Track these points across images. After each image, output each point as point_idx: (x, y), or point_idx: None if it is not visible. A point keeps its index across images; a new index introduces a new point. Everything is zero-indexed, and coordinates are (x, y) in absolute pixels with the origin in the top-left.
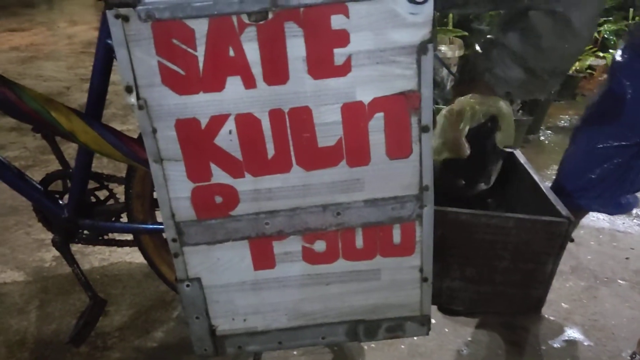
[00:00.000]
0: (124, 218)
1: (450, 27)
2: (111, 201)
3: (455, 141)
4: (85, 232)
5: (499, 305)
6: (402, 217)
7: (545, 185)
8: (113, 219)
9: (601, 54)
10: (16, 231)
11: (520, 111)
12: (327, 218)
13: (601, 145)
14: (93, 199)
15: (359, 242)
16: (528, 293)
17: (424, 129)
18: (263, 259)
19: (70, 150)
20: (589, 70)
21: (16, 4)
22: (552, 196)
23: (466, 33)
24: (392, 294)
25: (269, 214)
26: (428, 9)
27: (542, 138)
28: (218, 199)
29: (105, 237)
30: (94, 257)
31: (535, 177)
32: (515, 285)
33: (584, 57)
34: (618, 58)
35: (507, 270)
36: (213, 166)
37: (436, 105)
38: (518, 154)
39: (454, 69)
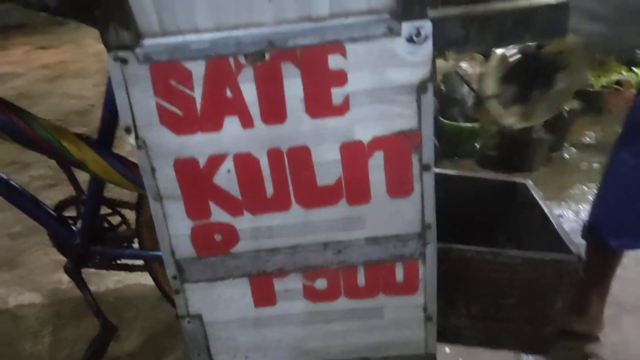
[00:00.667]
0: (137, 243)
1: None
2: (123, 227)
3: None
4: (97, 257)
5: (508, 343)
6: (405, 255)
7: (557, 218)
8: (125, 245)
9: (625, 73)
10: (35, 252)
11: (542, 129)
12: (328, 256)
13: None
14: (106, 225)
15: (361, 280)
16: (538, 331)
17: (425, 168)
18: (264, 296)
19: (85, 174)
20: (615, 86)
21: (46, 22)
22: (562, 231)
23: None
24: (396, 332)
25: (269, 252)
26: (427, 48)
27: (565, 156)
28: (217, 237)
29: (118, 262)
30: (109, 279)
31: (546, 210)
32: (524, 323)
33: (611, 71)
34: None
35: (515, 307)
36: (212, 205)
37: (457, 123)
38: (529, 184)
39: (475, 86)
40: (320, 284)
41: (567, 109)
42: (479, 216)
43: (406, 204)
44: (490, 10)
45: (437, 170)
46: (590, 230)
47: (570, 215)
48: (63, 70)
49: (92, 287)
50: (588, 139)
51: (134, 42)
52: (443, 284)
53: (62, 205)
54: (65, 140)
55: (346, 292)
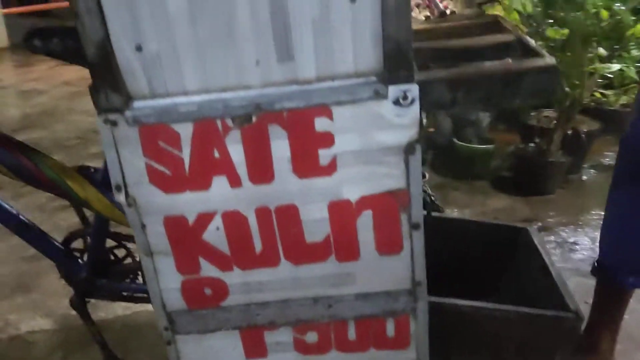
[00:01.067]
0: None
1: None
2: (129, 259)
3: None
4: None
5: None
6: (396, 311)
7: (557, 269)
8: (131, 277)
9: None
10: (49, 276)
11: (559, 151)
12: (319, 310)
13: None
14: (112, 257)
15: (352, 334)
16: None
17: (414, 227)
18: (255, 348)
19: None
20: None
21: None
22: (561, 284)
23: None
24: None
25: (259, 306)
26: (414, 111)
27: (584, 178)
28: (208, 291)
29: (123, 293)
30: (118, 305)
31: (546, 260)
32: None
33: (630, 91)
34: None
35: None
36: (202, 260)
37: (471, 145)
38: (532, 231)
39: None
40: (311, 337)
41: (585, 130)
42: (480, 260)
43: (396, 261)
44: (479, 74)
45: (439, 214)
46: (599, 266)
47: (585, 242)
48: (84, 87)
49: (101, 314)
50: (608, 160)
51: (123, 105)
52: (437, 338)
53: (69, 238)
54: (70, 180)
55: (337, 346)
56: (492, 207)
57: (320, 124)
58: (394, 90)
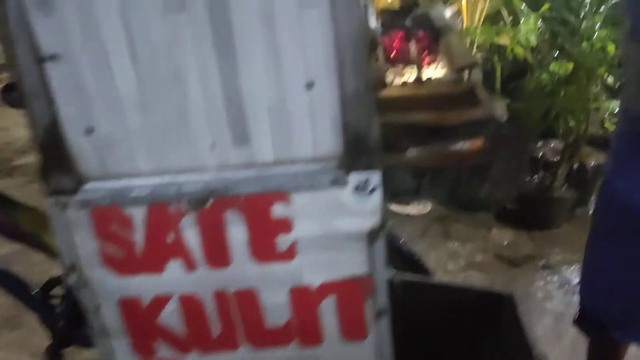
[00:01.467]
0: None
1: None
2: None
3: None
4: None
5: None
6: None
7: (539, 352)
8: None
9: None
10: None
11: (564, 186)
12: None
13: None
14: None
15: None
16: None
17: (379, 313)
18: None
19: None
20: None
21: None
22: None
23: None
24: None
25: None
26: (376, 199)
27: (590, 212)
28: None
29: None
30: None
31: (528, 337)
32: None
33: None
34: None
35: None
36: (158, 342)
37: None
38: (516, 296)
39: None
40: None
41: (592, 164)
42: (462, 329)
43: (361, 348)
44: (445, 161)
45: (421, 279)
46: (582, 318)
47: None
48: None
49: (86, 355)
50: None
51: (74, 187)
52: None
53: (48, 285)
54: (46, 233)
55: None
56: (494, 242)
57: (278, 209)
58: (354, 178)
